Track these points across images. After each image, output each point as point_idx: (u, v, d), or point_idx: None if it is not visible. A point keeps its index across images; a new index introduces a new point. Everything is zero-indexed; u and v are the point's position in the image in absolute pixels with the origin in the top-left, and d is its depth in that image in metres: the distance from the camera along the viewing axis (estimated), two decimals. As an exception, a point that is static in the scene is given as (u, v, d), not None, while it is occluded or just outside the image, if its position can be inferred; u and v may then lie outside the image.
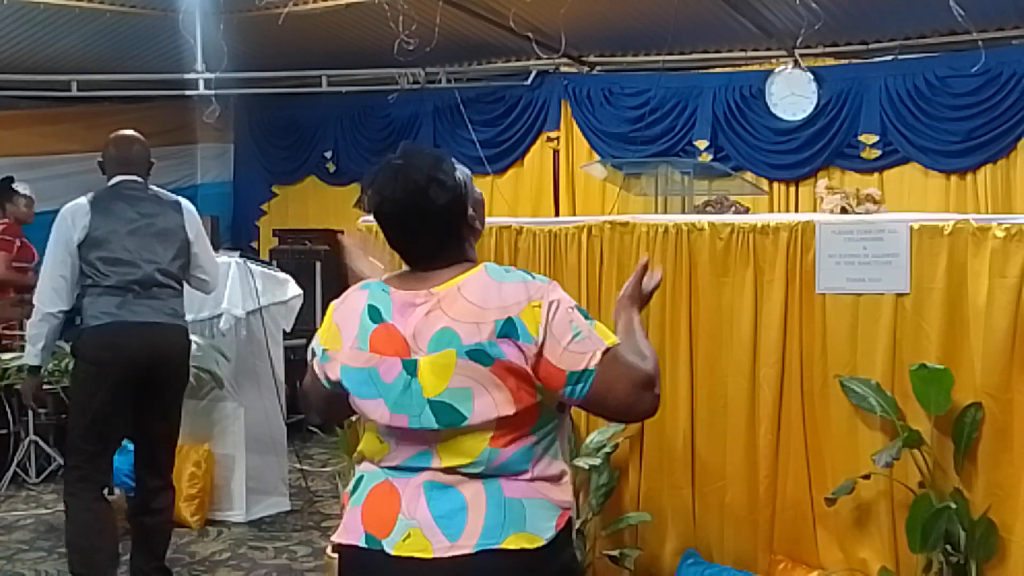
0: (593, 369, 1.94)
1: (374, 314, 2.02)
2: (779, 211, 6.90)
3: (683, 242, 3.83)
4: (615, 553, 3.78)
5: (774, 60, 7.07)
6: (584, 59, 7.72)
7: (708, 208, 4.87)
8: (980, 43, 6.06)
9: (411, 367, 1.97)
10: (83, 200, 3.96)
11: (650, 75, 7.34)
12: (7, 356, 5.79)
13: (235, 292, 5.40)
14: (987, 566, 3.28)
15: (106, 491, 4.37)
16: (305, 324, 6.12)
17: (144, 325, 3.92)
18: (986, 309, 3.30)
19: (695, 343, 3.84)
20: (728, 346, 3.76)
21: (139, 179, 4.08)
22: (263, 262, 6.23)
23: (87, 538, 4.00)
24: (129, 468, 5.33)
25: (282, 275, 5.77)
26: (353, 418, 2.40)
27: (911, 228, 3.44)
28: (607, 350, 1.97)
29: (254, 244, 9.37)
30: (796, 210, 6.91)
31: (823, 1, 5.74)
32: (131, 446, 5.45)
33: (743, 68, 7.26)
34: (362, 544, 2.01)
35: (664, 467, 3.88)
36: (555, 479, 2.04)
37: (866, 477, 3.40)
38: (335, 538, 2.09)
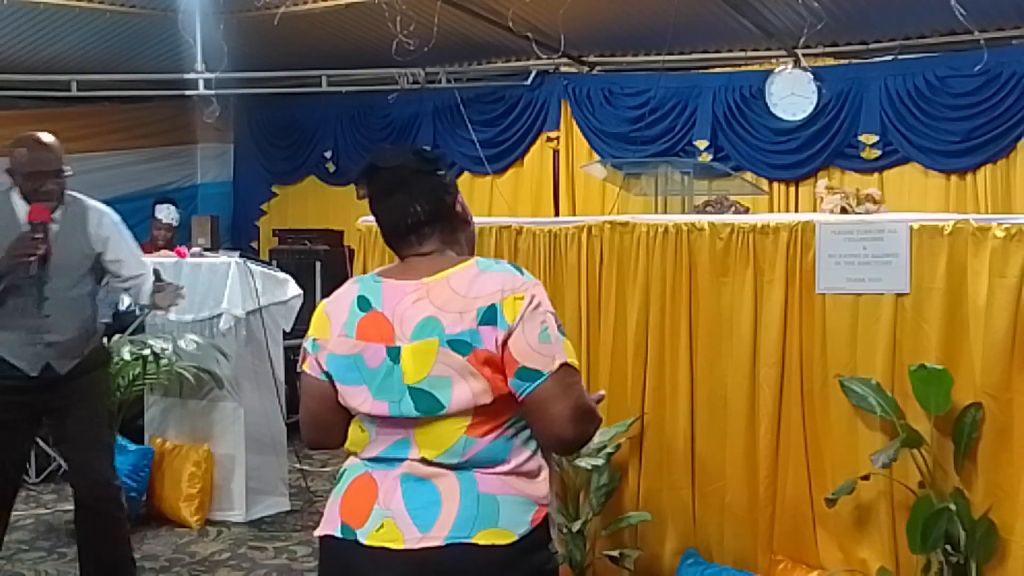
0: (545, 375, 1.97)
1: (363, 303, 2.07)
2: (779, 211, 6.89)
3: (683, 242, 3.83)
4: (615, 553, 3.78)
5: (774, 60, 7.06)
6: (584, 59, 7.72)
7: (708, 208, 4.87)
8: (982, 42, 6.05)
9: (394, 354, 2.01)
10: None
11: (650, 75, 7.33)
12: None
13: (235, 292, 5.40)
14: (987, 566, 3.28)
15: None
16: (305, 324, 6.09)
17: None
18: (986, 309, 3.30)
19: (695, 343, 3.84)
20: (728, 346, 3.76)
21: None
22: (263, 262, 6.23)
23: None
24: (130, 468, 5.35)
25: (282, 275, 5.77)
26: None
27: (911, 228, 3.44)
28: (565, 364, 1.99)
29: (254, 244, 9.37)
30: (796, 210, 6.90)
31: (823, 1, 5.74)
32: (132, 446, 5.48)
33: (743, 68, 7.25)
34: (338, 534, 2.05)
35: (664, 467, 3.88)
36: (532, 474, 2.06)
37: (866, 477, 3.39)
38: (317, 531, 2.14)
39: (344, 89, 8.07)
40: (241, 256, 5.64)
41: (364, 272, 4.50)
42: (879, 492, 3.48)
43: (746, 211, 4.97)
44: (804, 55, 6.84)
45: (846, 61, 6.92)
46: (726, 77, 7.26)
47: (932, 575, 3.29)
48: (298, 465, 6.12)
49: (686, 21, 6.44)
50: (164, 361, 5.21)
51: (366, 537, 2.01)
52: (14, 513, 5.62)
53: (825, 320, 3.59)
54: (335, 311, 2.11)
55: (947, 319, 3.38)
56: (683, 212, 4.85)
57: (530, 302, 1.99)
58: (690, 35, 6.92)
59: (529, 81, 7.85)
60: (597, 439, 3.77)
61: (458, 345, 1.96)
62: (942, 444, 3.35)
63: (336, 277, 7.26)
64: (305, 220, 8.94)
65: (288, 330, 5.80)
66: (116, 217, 3.97)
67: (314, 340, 2.13)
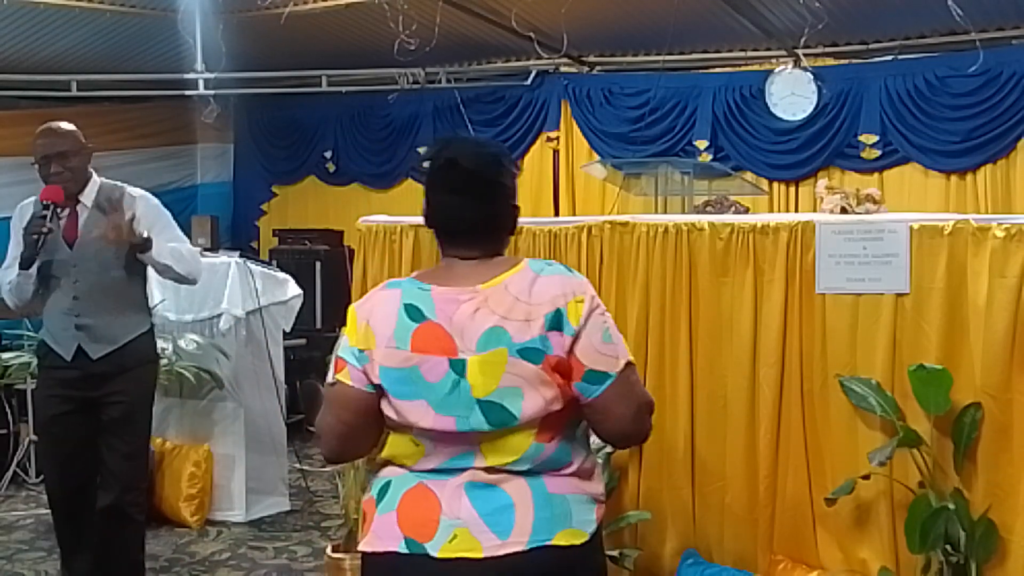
0: (613, 375, 1.96)
1: (414, 312, 1.97)
2: (779, 211, 6.90)
3: (683, 242, 3.82)
4: (615, 553, 3.77)
5: (774, 60, 7.07)
6: (584, 59, 7.72)
7: (708, 208, 4.87)
8: (977, 43, 6.05)
9: (459, 367, 1.93)
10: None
11: (650, 75, 7.33)
12: (8, 355, 5.79)
13: (235, 292, 5.41)
14: (987, 566, 3.27)
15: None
16: (305, 324, 6.15)
17: None
18: (986, 309, 3.29)
19: (695, 343, 3.83)
20: (728, 346, 3.76)
21: None
22: (263, 262, 6.24)
23: None
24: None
25: (282, 275, 5.78)
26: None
27: (911, 228, 3.43)
28: (629, 363, 1.99)
29: (254, 244, 9.37)
30: (796, 210, 6.91)
31: (823, 1, 5.74)
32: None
33: (743, 68, 7.25)
34: (402, 550, 1.95)
35: (664, 467, 3.88)
36: (591, 472, 2.07)
37: (866, 477, 3.39)
38: (364, 547, 2.02)
39: (344, 89, 8.08)
40: (241, 256, 5.64)
41: (364, 272, 4.53)
42: (879, 492, 3.48)
43: (746, 211, 4.97)
44: (804, 55, 6.85)
45: (846, 61, 6.92)
46: (726, 77, 7.26)
47: (932, 575, 3.29)
48: (298, 465, 6.12)
49: (686, 21, 6.44)
50: (164, 361, 5.21)
51: (438, 550, 1.92)
52: (14, 513, 5.67)
53: (825, 320, 3.58)
54: (376, 320, 1.98)
55: (947, 319, 3.37)
56: (683, 212, 4.84)
57: (591, 303, 1.97)
58: (690, 35, 6.93)
59: (529, 81, 7.86)
60: (595, 439, 3.77)
61: (529, 353, 1.91)
62: (942, 444, 3.35)
63: (336, 277, 7.26)
64: (305, 220, 8.94)
65: (288, 330, 5.81)
66: (155, 201, 4.03)
67: (359, 351, 1.99)
